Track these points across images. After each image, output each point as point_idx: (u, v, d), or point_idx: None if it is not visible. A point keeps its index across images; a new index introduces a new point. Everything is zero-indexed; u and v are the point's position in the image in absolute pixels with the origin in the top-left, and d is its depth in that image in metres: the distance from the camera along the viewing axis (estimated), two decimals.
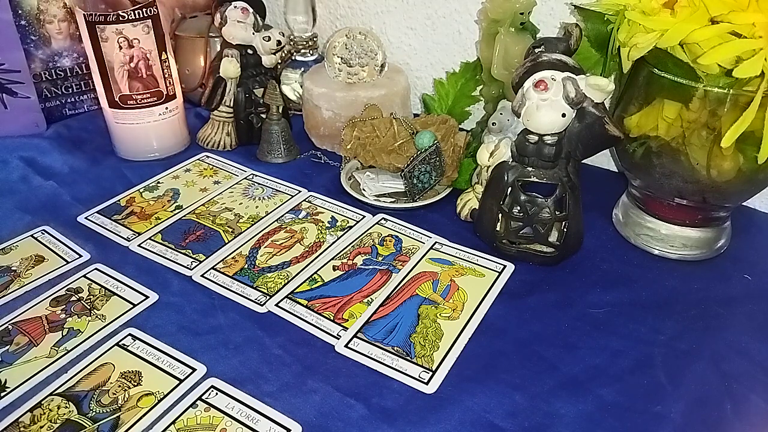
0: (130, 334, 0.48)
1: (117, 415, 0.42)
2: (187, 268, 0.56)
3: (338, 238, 0.59)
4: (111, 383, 0.44)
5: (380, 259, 0.57)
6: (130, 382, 0.44)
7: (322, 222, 0.62)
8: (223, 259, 0.57)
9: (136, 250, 0.58)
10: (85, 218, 0.63)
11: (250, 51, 0.72)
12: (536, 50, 0.53)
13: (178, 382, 0.44)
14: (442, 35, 0.80)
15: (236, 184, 0.68)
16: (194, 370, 0.45)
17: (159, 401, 0.43)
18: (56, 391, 0.44)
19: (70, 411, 0.42)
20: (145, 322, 0.50)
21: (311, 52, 0.85)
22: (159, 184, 0.68)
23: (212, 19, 0.74)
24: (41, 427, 0.41)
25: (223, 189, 0.67)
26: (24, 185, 0.68)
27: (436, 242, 0.59)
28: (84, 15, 0.65)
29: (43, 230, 0.61)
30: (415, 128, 0.65)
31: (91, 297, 0.52)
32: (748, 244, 0.59)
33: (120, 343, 0.48)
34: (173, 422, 0.41)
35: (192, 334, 0.49)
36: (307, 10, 0.82)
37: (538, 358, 0.47)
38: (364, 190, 0.66)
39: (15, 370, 0.46)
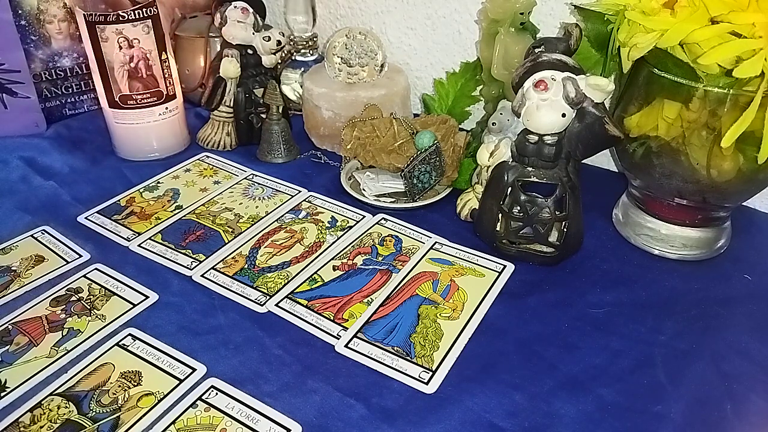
0: (130, 334, 0.48)
1: (117, 415, 0.42)
2: (187, 268, 0.56)
3: (338, 238, 0.59)
4: (111, 383, 0.44)
5: (380, 259, 0.57)
6: (130, 382, 0.44)
7: (322, 222, 0.62)
8: (223, 259, 0.57)
9: (136, 250, 0.58)
10: (85, 218, 0.63)
11: (250, 51, 0.72)
12: (536, 50, 0.53)
13: (178, 382, 0.44)
14: (442, 35, 0.80)
15: (236, 184, 0.68)
16: (194, 370, 0.45)
17: (159, 401, 0.43)
18: (56, 391, 0.44)
19: (70, 411, 0.42)
20: (145, 322, 0.50)
21: (311, 52, 0.85)
22: (159, 184, 0.68)
23: (212, 19, 0.74)
24: (41, 427, 0.41)
25: (223, 189, 0.67)
26: (24, 185, 0.68)
27: (436, 242, 0.59)
28: (84, 15, 0.65)
29: (43, 230, 0.61)
30: (415, 128, 0.65)
31: (91, 297, 0.52)
32: (748, 244, 0.59)
33: (120, 343, 0.48)
34: (173, 422, 0.41)
35: (192, 334, 0.49)
36: (307, 10, 0.82)
37: (538, 358, 0.47)
38: (364, 190, 0.66)
39: (15, 370, 0.46)
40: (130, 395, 0.43)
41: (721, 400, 0.44)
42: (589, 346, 0.48)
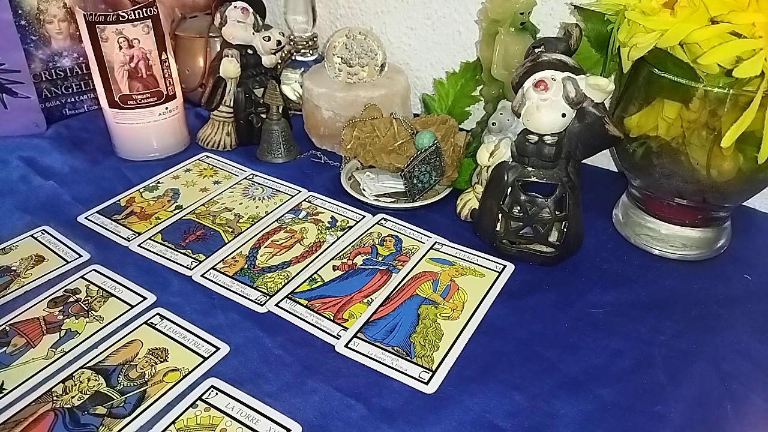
0: (158, 314, 0.50)
1: (144, 388, 0.43)
2: (187, 268, 0.56)
3: (338, 238, 0.59)
4: (139, 359, 0.46)
5: (380, 259, 0.57)
6: (157, 358, 0.46)
7: (322, 222, 0.62)
8: (223, 259, 0.57)
9: (136, 250, 0.58)
10: (85, 218, 0.62)
11: (250, 51, 0.72)
12: (536, 50, 0.53)
13: (202, 359, 0.46)
14: (442, 35, 0.80)
15: (236, 184, 0.68)
16: (218, 348, 0.47)
17: (184, 377, 0.44)
18: (87, 365, 0.46)
19: (99, 383, 0.44)
20: None
21: (311, 52, 0.85)
22: (159, 184, 0.68)
23: (212, 19, 0.74)
24: (72, 397, 0.43)
25: (223, 189, 0.67)
26: (24, 185, 0.68)
27: (436, 242, 0.59)
28: (84, 15, 0.65)
29: (43, 230, 0.61)
30: (415, 128, 0.65)
31: (89, 298, 0.52)
32: (748, 244, 0.59)
33: (148, 322, 0.49)
34: (173, 422, 0.41)
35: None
36: (307, 10, 0.82)
37: (538, 358, 0.47)
38: (364, 190, 0.66)
39: (12, 371, 0.45)
40: (156, 370, 0.45)
41: (721, 400, 0.43)
42: (589, 346, 0.48)
